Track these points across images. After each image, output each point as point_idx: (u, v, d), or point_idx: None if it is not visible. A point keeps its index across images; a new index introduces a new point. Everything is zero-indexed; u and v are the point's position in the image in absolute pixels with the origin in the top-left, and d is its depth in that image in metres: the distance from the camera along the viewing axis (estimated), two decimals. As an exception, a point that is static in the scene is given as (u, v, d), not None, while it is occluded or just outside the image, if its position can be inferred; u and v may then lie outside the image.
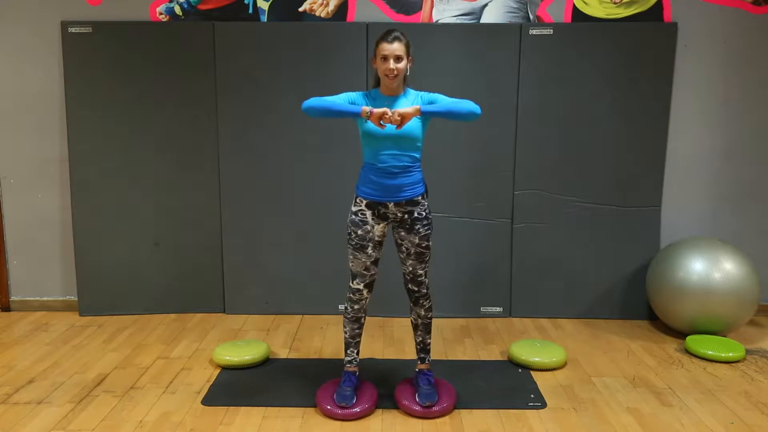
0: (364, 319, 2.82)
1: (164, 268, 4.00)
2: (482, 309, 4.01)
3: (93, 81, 3.82)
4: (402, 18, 3.84)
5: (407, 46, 2.57)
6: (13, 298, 4.12)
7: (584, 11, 3.83)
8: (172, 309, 4.03)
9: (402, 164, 2.60)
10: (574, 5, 3.83)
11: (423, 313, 2.79)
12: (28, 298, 4.11)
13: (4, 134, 3.94)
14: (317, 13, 3.84)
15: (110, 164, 3.89)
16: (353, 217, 2.68)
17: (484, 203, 3.92)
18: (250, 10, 3.83)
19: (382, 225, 2.69)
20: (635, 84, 3.81)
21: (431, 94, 2.64)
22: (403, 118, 2.45)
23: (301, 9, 3.84)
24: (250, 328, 3.79)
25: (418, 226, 2.66)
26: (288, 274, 4.00)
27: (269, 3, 3.83)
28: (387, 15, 3.84)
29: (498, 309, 4.01)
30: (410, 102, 2.61)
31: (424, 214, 2.68)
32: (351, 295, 2.75)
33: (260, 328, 3.78)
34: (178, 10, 3.84)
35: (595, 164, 3.89)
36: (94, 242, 3.94)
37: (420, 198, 2.67)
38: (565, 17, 3.83)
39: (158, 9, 3.84)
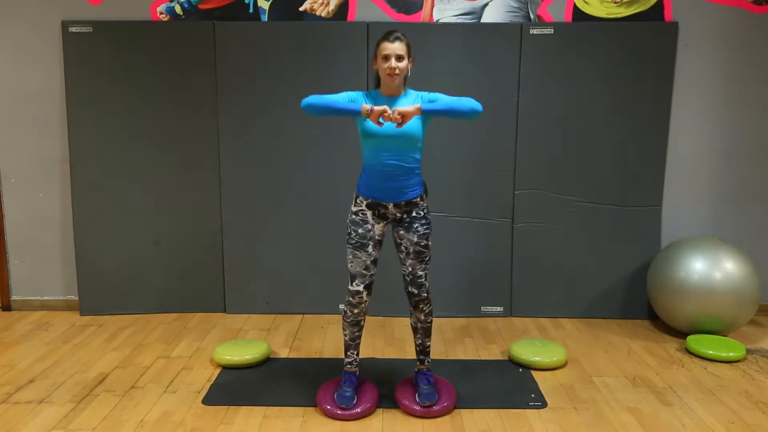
0: (364, 322, 2.80)
1: (165, 268, 4.00)
2: (483, 308, 4.01)
3: (93, 81, 3.82)
4: (402, 17, 3.84)
5: (408, 47, 2.57)
6: (13, 297, 4.12)
7: (585, 11, 3.83)
8: (172, 308, 4.03)
9: (403, 165, 2.59)
10: (574, 5, 3.82)
11: (423, 317, 2.78)
12: (28, 298, 4.12)
13: (5, 134, 3.94)
14: (318, 13, 3.84)
15: (110, 164, 3.89)
16: (353, 216, 2.68)
17: (484, 203, 3.92)
18: (251, 10, 3.83)
19: (381, 224, 2.69)
20: (635, 84, 3.81)
21: (431, 93, 2.63)
22: (404, 117, 2.44)
23: (301, 8, 3.84)
24: (250, 328, 3.79)
25: (417, 224, 2.66)
26: (288, 273, 4.00)
27: (270, 2, 3.83)
28: (388, 14, 3.84)
29: (498, 308, 4.01)
30: (410, 102, 2.59)
31: (422, 213, 2.68)
32: (350, 299, 2.72)
33: (261, 328, 3.79)
34: (178, 9, 3.84)
35: (596, 164, 3.89)
36: (94, 242, 3.95)
37: (418, 199, 2.67)
38: (566, 17, 3.83)
39: (159, 8, 3.84)
